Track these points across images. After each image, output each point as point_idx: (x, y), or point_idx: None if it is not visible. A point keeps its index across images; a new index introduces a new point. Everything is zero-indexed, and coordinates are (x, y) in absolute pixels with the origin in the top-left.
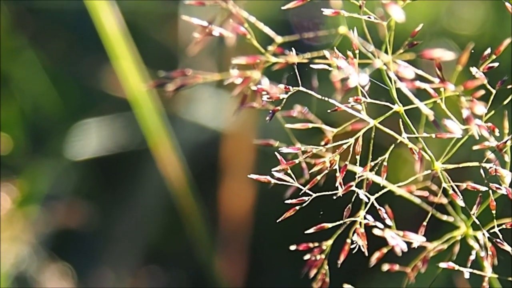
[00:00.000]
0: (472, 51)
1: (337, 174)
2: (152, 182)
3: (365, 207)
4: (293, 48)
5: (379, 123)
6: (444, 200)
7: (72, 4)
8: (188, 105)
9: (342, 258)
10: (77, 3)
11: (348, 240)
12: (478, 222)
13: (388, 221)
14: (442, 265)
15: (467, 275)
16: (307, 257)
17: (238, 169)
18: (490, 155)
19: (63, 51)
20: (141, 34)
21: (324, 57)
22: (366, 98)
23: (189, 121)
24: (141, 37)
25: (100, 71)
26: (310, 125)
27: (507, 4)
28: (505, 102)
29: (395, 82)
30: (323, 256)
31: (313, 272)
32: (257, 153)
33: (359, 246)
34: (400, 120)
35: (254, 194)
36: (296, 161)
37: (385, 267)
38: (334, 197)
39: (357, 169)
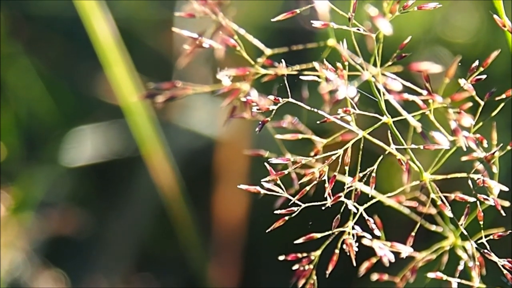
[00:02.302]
0: (465, 59)
1: (326, 184)
2: (146, 189)
3: (354, 217)
4: (282, 60)
5: (368, 134)
6: (433, 211)
7: (68, 11)
8: (183, 112)
9: (330, 268)
10: (73, 10)
11: (337, 251)
12: (466, 233)
13: (377, 232)
14: (431, 275)
15: (455, 285)
16: (295, 267)
17: (232, 176)
18: (478, 166)
19: (58, 57)
20: (136, 41)
21: (313, 69)
22: (355, 109)
23: (183, 128)
24: (136, 44)
25: (95, 78)
26: (300, 136)
27: (495, 17)
28: (493, 114)
29: (383, 94)
30: (311, 266)
31: (301, 282)
32: (251, 160)
33: (349, 255)
34: (389, 131)
35: (247, 201)
36: (286, 171)
37: (374, 276)
38: (323, 208)
39: (347, 179)
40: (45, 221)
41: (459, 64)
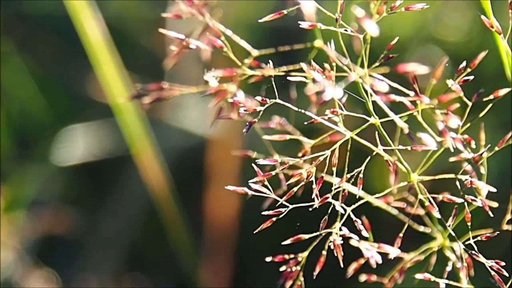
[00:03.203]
0: (458, 58)
1: (314, 185)
2: (137, 188)
3: (341, 218)
4: (270, 61)
5: (356, 135)
6: (422, 212)
7: (60, 10)
8: (174, 111)
9: (317, 269)
10: (65, 9)
11: (324, 252)
12: (453, 234)
13: (365, 233)
14: (419, 276)
15: (443, 286)
16: (283, 268)
17: (223, 175)
18: (466, 167)
19: (51, 57)
20: (127, 40)
21: (301, 70)
22: (343, 110)
23: (174, 127)
24: (127, 43)
25: (87, 77)
26: (288, 137)
27: (483, 17)
28: (481, 115)
29: (370, 95)
30: (298, 267)
31: (288, 284)
32: (243, 160)
33: (337, 256)
34: (376, 132)
35: (239, 201)
36: (273, 172)
37: (363, 277)
38: (311, 209)
39: (334, 180)
40: (36, 220)
41: (450, 63)
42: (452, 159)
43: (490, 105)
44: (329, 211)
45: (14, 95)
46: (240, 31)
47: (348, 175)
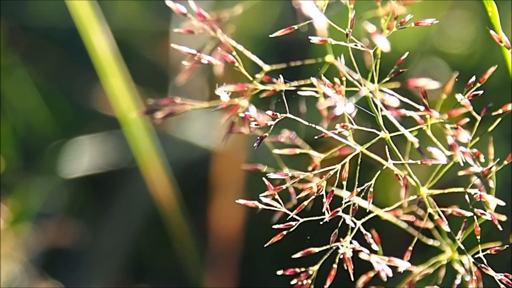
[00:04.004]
0: (461, 70)
1: (324, 199)
2: (143, 200)
3: (351, 232)
4: (280, 76)
5: (366, 149)
6: (430, 225)
7: (65, 22)
8: (179, 124)
9: (328, 283)
10: (70, 21)
11: (334, 265)
12: (463, 247)
13: (374, 246)
14: None
15: None
16: (293, 281)
17: (228, 187)
18: (475, 180)
19: (55, 69)
20: (132, 52)
21: (311, 85)
22: (353, 124)
23: (179, 139)
24: (132, 55)
25: (92, 89)
26: (298, 151)
27: (492, 32)
28: (490, 129)
29: (381, 110)
30: (309, 281)
31: None
32: (248, 172)
33: (347, 270)
34: (386, 146)
35: (244, 212)
36: (284, 186)
37: None
38: (321, 222)
39: (344, 194)
40: (42, 232)
41: (453, 72)
42: (461, 173)
43: (499, 119)
44: (339, 225)
45: (18, 107)
46: (244, 43)
47: (358, 189)
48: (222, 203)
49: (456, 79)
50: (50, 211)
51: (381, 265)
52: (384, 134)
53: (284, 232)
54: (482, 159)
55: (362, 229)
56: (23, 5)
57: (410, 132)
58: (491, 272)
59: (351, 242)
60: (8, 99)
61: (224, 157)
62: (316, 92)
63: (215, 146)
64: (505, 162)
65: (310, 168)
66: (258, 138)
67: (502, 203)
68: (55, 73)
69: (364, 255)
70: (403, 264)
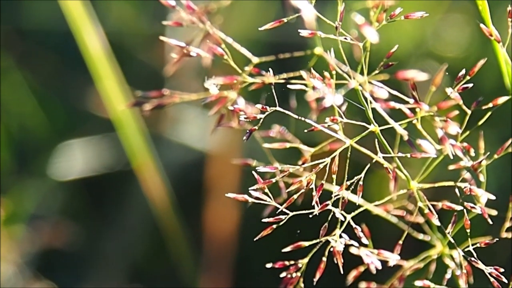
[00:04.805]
0: (456, 73)
1: (314, 193)
2: (138, 203)
3: (341, 226)
4: (270, 69)
5: (355, 142)
6: (421, 220)
7: (59, 25)
8: (174, 126)
9: (317, 276)
10: (65, 25)
11: (324, 259)
12: (453, 241)
13: (364, 240)
14: (418, 283)
15: None
16: (283, 274)
17: (223, 190)
18: (465, 174)
19: (50, 72)
20: (127, 54)
21: (301, 78)
22: (343, 118)
23: (174, 142)
24: (127, 57)
25: (86, 92)
26: (288, 145)
27: (482, 26)
28: (480, 123)
29: (370, 102)
30: (299, 274)
31: None
32: (242, 174)
33: (337, 264)
34: (376, 140)
35: (238, 215)
36: (274, 180)
37: (362, 285)
38: (311, 216)
39: (334, 188)
40: (36, 234)
41: (449, 75)
42: (451, 167)
43: (489, 113)
44: (329, 219)
45: (13, 110)
46: (239, 44)
47: (348, 183)
48: (217, 205)
49: (449, 79)
50: (45, 213)
51: (371, 258)
52: (374, 127)
53: (274, 226)
54: (472, 154)
55: (352, 222)
56: (18, 9)
57: (399, 125)
58: (481, 265)
59: (341, 236)
60: (3, 102)
61: (219, 160)
62: (306, 85)
63: (210, 149)
64: (496, 156)
65: (300, 162)
66: (248, 131)
67: (492, 197)
68: (50, 77)
69: (354, 248)
70: (393, 257)
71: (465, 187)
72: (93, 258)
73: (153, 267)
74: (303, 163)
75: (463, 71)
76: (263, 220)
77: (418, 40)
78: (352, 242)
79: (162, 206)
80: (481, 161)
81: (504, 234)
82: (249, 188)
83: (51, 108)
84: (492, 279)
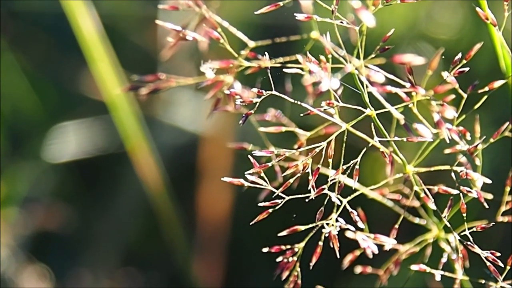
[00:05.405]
0: (449, 55)
1: (310, 177)
2: (131, 185)
3: (337, 210)
4: (266, 53)
5: (352, 126)
6: (417, 204)
7: (53, 7)
8: (167, 108)
9: (314, 260)
10: (58, 7)
11: (320, 243)
12: (449, 225)
13: (360, 224)
14: (414, 267)
15: (438, 277)
16: (279, 259)
17: (216, 172)
18: (461, 158)
19: (43, 54)
20: (120, 37)
21: (297, 62)
22: (339, 102)
23: (168, 124)
24: (120, 40)
25: (79, 74)
26: (284, 129)
27: (478, 9)
28: (476, 107)
29: (366, 87)
30: (295, 258)
31: (285, 274)
32: (235, 157)
33: (334, 248)
34: (372, 123)
35: (232, 197)
36: (269, 164)
37: (358, 269)
38: (307, 200)
39: (330, 172)
40: (29, 217)
41: (443, 58)
42: (447, 151)
43: (486, 97)
44: (325, 203)
45: (6, 92)
46: (235, 28)
47: (344, 167)
48: (210, 188)
49: (444, 62)
50: (38, 195)
51: (367, 242)
52: (370, 111)
53: (270, 210)
54: (468, 138)
55: (348, 207)
56: None
57: (396, 109)
58: (477, 249)
59: (337, 220)
60: None
61: (212, 142)
62: (302, 69)
63: (204, 131)
64: (492, 140)
65: (296, 146)
66: (244, 115)
67: (489, 181)
68: (43, 59)
69: (350, 233)
70: (389, 242)
71: (461, 171)
72: (86, 241)
73: (146, 250)
74: (299, 147)
75: (459, 55)
76: (259, 204)
77: (411, 22)
78: (348, 226)
79: (156, 188)
80: (477, 145)
81: (500, 218)
82: (245, 172)
83: (44, 90)
84: (488, 263)
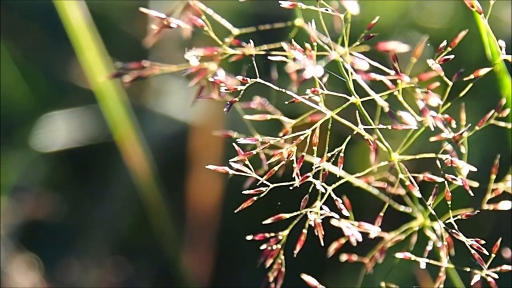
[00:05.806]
0: (440, 44)
1: (294, 165)
2: (121, 174)
3: (322, 198)
4: (251, 40)
5: (339, 114)
6: (402, 192)
7: None
8: (158, 98)
9: (298, 248)
10: None
11: (304, 230)
12: (434, 213)
13: (345, 212)
14: (399, 255)
15: (423, 265)
16: (263, 247)
17: (206, 161)
18: (447, 146)
19: (32, 43)
20: (110, 26)
21: (282, 49)
22: (324, 89)
23: (158, 113)
24: (109, 29)
25: (70, 63)
26: (269, 117)
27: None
28: (461, 94)
29: (351, 74)
30: (279, 246)
31: (269, 262)
32: (226, 146)
33: (318, 236)
34: (357, 111)
35: (221, 187)
36: (254, 152)
37: (343, 257)
38: (292, 188)
39: (315, 159)
40: (19, 206)
41: (432, 49)
42: (432, 138)
43: (471, 84)
44: (309, 191)
45: None
46: (221, 17)
47: (329, 154)
48: (200, 177)
49: (433, 51)
50: (27, 185)
51: (351, 230)
52: (355, 99)
53: (255, 198)
54: (454, 125)
55: (332, 194)
56: None
57: (380, 97)
58: (462, 237)
59: (321, 208)
60: None
61: (202, 131)
62: (287, 57)
63: (193, 121)
64: (477, 128)
65: (281, 134)
66: (228, 103)
67: (474, 169)
68: (32, 48)
69: (334, 220)
70: (374, 230)
71: (446, 158)
72: (75, 230)
73: (136, 239)
74: (284, 135)
75: (445, 43)
76: (244, 192)
77: (403, 11)
78: (333, 214)
79: (145, 178)
80: (462, 133)
81: (486, 206)
82: (230, 160)
83: (34, 80)
84: (473, 251)
